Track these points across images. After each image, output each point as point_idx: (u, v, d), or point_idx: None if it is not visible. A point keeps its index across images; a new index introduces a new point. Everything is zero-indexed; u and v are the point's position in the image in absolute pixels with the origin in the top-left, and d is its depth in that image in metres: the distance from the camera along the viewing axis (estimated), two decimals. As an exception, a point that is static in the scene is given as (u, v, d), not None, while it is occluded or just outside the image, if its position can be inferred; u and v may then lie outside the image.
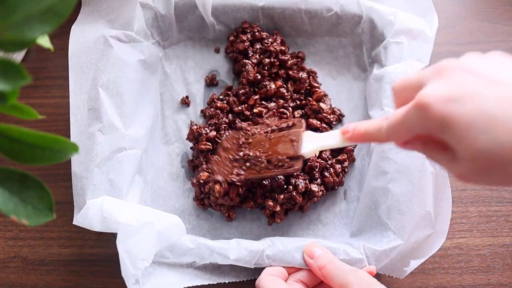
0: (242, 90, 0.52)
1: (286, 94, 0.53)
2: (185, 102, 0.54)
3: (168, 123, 0.53)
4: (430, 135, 0.31)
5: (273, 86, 0.52)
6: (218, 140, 0.50)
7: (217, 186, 0.46)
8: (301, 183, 0.47)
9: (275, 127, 0.47)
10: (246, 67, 0.52)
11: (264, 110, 0.51)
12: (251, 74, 0.52)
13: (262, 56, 0.53)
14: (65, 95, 0.53)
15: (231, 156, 0.47)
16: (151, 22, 0.52)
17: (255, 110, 0.51)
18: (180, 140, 0.53)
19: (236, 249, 0.43)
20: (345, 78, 0.56)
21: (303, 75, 0.53)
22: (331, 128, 0.53)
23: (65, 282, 0.48)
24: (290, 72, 0.53)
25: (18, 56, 0.54)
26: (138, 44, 0.50)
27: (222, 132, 0.50)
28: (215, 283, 0.43)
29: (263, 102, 0.52)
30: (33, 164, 0.25)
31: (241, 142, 0.47)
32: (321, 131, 0.51)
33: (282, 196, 0.46)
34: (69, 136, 0.45)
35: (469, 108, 0.28)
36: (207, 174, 0.48)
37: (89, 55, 0.47)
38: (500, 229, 0.50)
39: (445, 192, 0.44)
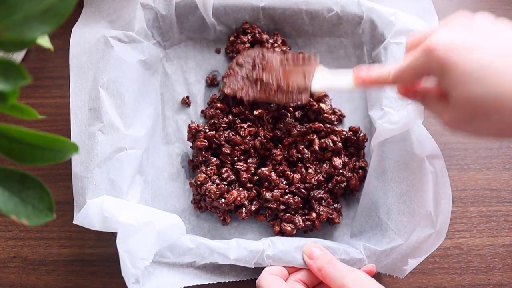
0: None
1: None
2: (186, 103, 0.54)
3: (169, 123, 0.53)
4: (430, 88, 0.36)
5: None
6: (216, 140, 0.50)
7: (213, 187, 0.46)
8: (323, 211, 0.47)
9: (291, 58, 0.49)
10: None
11: (265, 113, 0.51)
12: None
13: None
14: (65, 95, 0.54)
15: (244, 74, 0.49)
16: (152, 22, 0.52)
17: (255, 113, 0.51)
18: (181, 140, 0.53)
19: (236, 249, 0.43)
20: (346, 78, 0.56)
21: None
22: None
23: (65, 282, 0.48)
24: None
25: (18, 56, 0.54)
26: (139, 45, 0.50)
27: (221, 133, 0.50)
28: (215, 282, 0.43)
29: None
30: (33, 164, 0.25)
31: (256, 63, 0.49)
32: (325, 132, 0.51)
33: (302, 225, 0.47)
34: (69, 136, 0.45)
35: (468, 58, 0.31)
36: (204, 175, 0.48)
37: (90, 56, 0.47)
38: (500, 229, 0.50)
39: (445, 192, 0.44)
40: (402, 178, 0.45)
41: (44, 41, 0.34)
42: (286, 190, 0.49)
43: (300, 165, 0.50)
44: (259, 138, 0.50)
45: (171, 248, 0.43)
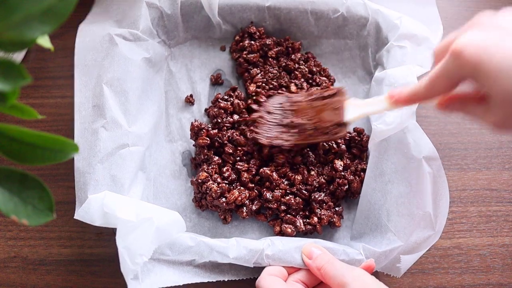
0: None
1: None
2: (190, 101, 0.54)
3: (172, 121, 0.54)
4: (466, 93, 0.35)
5: (293, 88, 0.53)
6: (219, 139, 0.50)
7: (214, 186, 0.46)
8: (325, 215, 0.47)
9: (318, 95, 0.48)
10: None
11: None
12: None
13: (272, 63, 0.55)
14: (65, 95, 0.54)
15: (276, 121, 0.48)
16: (157, 21, 0.52)
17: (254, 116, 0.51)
18: (184, 138, 0.53)
19: (236, 248, 0.43)
20: (350, 81, 0.56)
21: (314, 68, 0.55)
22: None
23: (65, 282, 0.48)
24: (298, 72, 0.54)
25: (18, 56, 0.54)
26: (144, 43, 0.50)
27: (225, 133, 0.50)
28: (214, 281, 0.43)
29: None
30: (33, 164, 0.25)
31: (285, 108, 0.48)
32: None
33: (303, 228, 0.47)
34: (69, 136, 0.45)
35: (500, 53, 0.30)
36: (206, 174, 0.48)
37: (95, 53, 0.47)
38: (500, 229, 0.50)
39: (444, 193, 0.44)
40: (400, 180, 0.45)
41: (44, 41, 0.34)
42: (287, 191, 0.49)
43: (302, 166, 0.50)
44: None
45: (170, 245, 0.43)
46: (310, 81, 0.55)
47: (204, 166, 0.49)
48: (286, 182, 0.49)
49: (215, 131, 0.50)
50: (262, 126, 0.49)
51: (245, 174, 0.49)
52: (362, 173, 0.50)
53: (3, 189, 0.25)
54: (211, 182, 0.48)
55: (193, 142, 0.52)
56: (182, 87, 0.55)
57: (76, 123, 0.45)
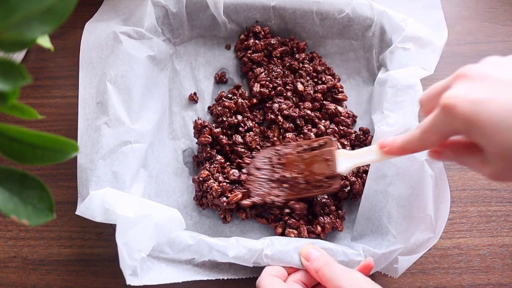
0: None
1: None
2: (193, 99, 0.54)
3: (176, 119, 0.54)
4: (459, 140, 0.34)
5: (300, 87, 0.53)
6: (221, 138, 0.50)
7: (215, 185, 0.46)
8: (328, 223, 0.47)
9: (307, 146, 0.47)
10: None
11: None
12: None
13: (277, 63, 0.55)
14: (65, 95, 0.54)
15: (266, 177, 0.47)
16: (162, 19, 0.52)
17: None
18: (187, 136, 0.53)
19: (235, 247, 0.43)
20: (355, 82, 0.56)
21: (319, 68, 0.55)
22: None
23: (65, 282, 0.48)
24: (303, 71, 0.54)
25: (18, 56, 0.54)
26: (148, 41, 0.50)
27: (228, 132, 0.50)
28: (213, 279, 0.43)
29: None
30: (33, 164, 0.25)
31: (274, 162, 0.48)
32: (339, 135, 0.52)
33: (307, 234, 0.47)
34: (69, 136, 0.45)
35: (494, 108, 0.28)
36: (207, 172, 0.48)
37: (100, 51, 0.48)
38: (500, 229, 0.50)
39: (445, 196, 0.44)
40: (402, 182, 0.45)
41: (44, 41, 0.34)
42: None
43: None
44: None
45: (170, 243, 0.43)
46: (316, 79, 0.54)
47: (206, 165, 0.49)
48: None
49: (219, 129, 0.50)
50: (252, 185, 0.47)
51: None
52: (364, 175, 0.50)
53: (3, 189, 0.25)
54: (212, 180, 0.48)
55: (196, 140, 0.52)
56: (186, 85, 0.55)
57: (79, 119, 0.46)
